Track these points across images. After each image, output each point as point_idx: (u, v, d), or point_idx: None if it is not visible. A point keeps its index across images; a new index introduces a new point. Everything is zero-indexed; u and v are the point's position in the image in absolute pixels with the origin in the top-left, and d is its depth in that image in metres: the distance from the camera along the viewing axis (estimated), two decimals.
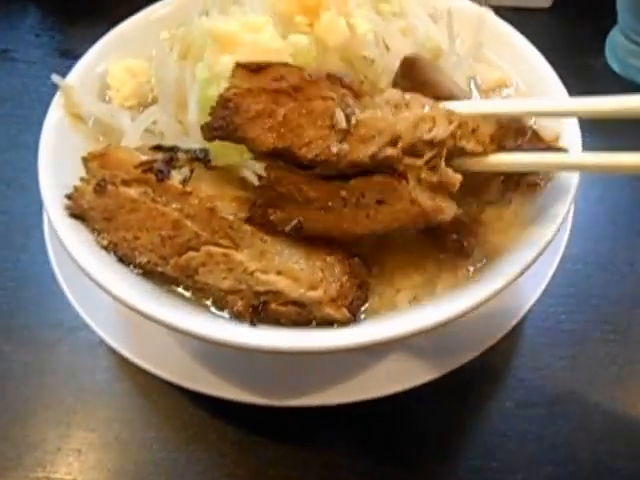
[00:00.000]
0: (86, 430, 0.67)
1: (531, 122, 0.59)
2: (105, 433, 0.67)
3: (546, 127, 0.60)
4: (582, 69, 1.02)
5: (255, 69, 0.50)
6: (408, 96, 0.52)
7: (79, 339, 0.73)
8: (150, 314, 0.51)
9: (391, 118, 0.49)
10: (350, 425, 0.66)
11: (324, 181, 0.51)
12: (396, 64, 0.56)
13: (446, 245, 0.57)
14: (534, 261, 0.54)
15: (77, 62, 0.73)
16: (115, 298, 0.52)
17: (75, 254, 0.55)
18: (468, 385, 0.68)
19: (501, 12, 1.15)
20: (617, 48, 1.04)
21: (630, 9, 0.96)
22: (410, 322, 0.51)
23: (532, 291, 0.67)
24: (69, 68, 1.10)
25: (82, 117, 0.67)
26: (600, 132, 0.91)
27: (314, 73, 0.51)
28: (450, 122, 0.50)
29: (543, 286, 0.67)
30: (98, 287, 0.53)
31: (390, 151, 0.49)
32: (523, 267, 0.53)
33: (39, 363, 0.72)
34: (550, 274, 0.67)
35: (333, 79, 0.51)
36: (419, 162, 0.50)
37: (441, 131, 0.50)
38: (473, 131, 0.52)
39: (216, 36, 0.54)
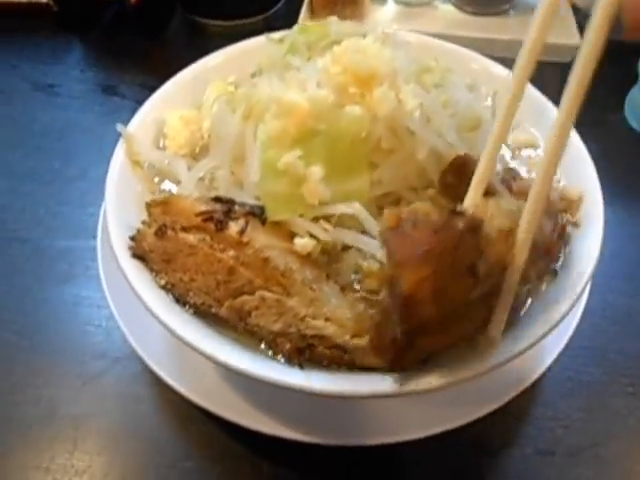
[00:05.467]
0: (129, 459, 0.71)
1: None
2: (147, 463, 0.71)
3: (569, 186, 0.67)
4: (599, 123, 1.06)
5: None
6: None
7: (123, 369, 0.78)
8: (209, 354, 0.56)
9: None
10: (379, 466, 0.70)
11: None
12: (433, 136, 0.62)
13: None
14: (553, 328, 0.57)
15: (124, 102, 0.77)
16: (177, 337, 0.57)
17: (141, 293, 0.60)
18: (490, 431, 0.72)
19: None
20: (636, 106, 1.08)
21: None
22: (446, 375, 0.54)
23: (554, 347, 0.71)
24: (110, 104, 1.17)
25: (140, 163, 0.73)
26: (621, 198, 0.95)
27: None
28: None
29: (565, 342, 0.71)
30: (162, 326, 0.58)
31: None
32: (545, 332, 0.56)
33: (86, 391, 0.76)
34: (571, 331, 0.71)
35: None
36: None
37: None
38: None
39: (282, 104, 0.60)
